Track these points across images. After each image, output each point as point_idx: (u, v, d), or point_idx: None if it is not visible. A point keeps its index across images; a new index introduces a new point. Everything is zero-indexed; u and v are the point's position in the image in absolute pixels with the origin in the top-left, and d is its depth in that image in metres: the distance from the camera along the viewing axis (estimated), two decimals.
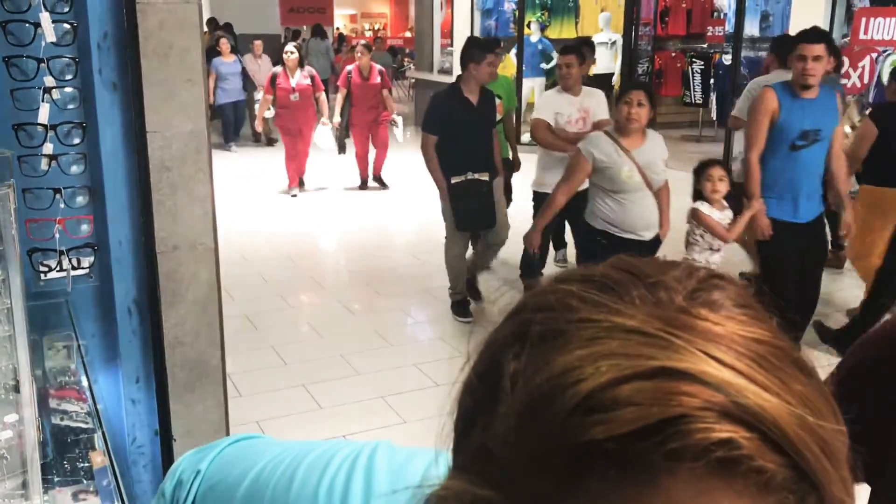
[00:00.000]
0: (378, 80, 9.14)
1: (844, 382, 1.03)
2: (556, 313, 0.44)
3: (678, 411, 0.38)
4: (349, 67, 9.23)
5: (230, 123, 12.19)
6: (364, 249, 7.26)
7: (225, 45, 11.79)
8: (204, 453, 0.84)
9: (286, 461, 0.75)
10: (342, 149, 9.34)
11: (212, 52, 11.78)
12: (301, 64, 9.14)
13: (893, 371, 0.97)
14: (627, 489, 0.39)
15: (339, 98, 9.20)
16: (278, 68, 9.24)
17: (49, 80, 2.20)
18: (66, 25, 2.20)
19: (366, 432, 3.91)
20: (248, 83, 11.99)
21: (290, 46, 9.15)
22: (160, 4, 2.31)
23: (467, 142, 5.10)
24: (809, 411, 0.41)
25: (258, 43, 12.81)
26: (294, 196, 9.14)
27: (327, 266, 6.89)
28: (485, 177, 5.13)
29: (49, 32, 2.15)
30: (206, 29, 16.28)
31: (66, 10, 2.20)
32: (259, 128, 10.28)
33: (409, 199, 9.12)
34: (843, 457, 0.43)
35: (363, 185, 9.64)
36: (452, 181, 5.08)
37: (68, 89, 2.25)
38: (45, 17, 2.14)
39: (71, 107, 2.26)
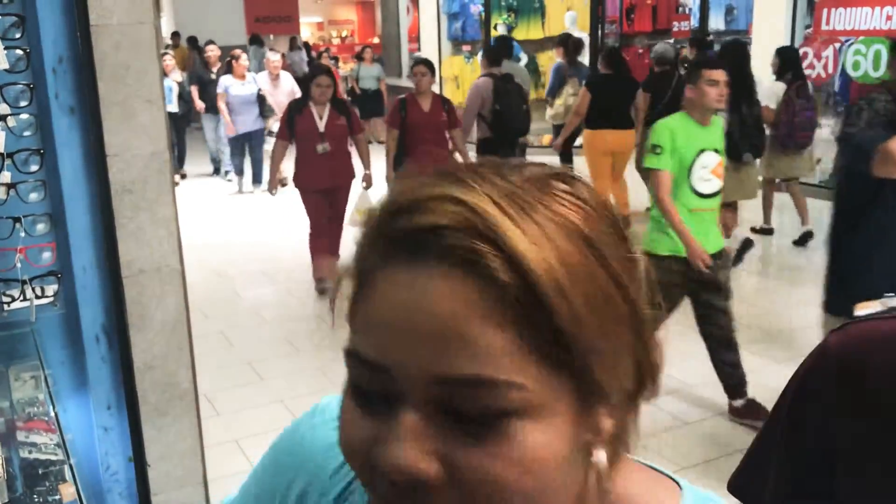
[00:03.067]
0: (444, 115, 6.37)
1: (793, 410, 1.00)
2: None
3: (442, 222, 0.52)
4: (402, 97, 6.46)
5: (239, 156, 10.09)
6: (340, 261, 7.22)
7: (241, 63, 9.56)
8: None
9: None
10: None
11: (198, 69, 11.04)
12: (334, 98, 6.11)
13: (842, 392, 0.94)
14: (409, 266, 0.53)
15: (391, 144, 6.39)
16: (295, 99, 6.76)
17: (3, 108, 2.16)
18: (19, 51, 2.16)
19: None
20: (264, 109, 9.69)
21: (322, 79, 6.00)
22: (114, 26, 2.28)
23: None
24: (564, 267, 0.52)
25: (275, 58, 10.13)
26: (322, 292, 6.19)
27: (302, 280, 6.85)
28: None
29: (1, 59, 2.11)
30: (170, 42, 16.17)
31: (18, 35, 2.16)
32: (274, 191, 6.51)
33: None
34: (604, 310, 0.54)
35: None
36: None
37: (24, 116, 2.21)
38: None
39: (27, 133, 2.23)
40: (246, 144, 9.92)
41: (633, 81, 7.65)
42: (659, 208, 3.91)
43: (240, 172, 10.20)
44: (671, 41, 10.89)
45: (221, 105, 9.57)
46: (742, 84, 6.04)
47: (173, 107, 10.28)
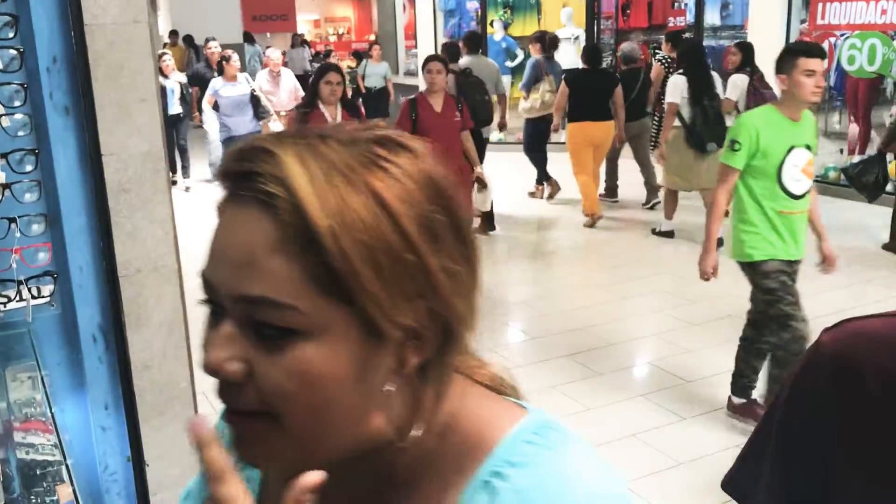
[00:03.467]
0: (457, 116, 5.99)
1: (787, 409, 0.99)
2: None
3: (254, 169, 0.65)
4: (412, 97, 6.10)
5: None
6: None
7: (232, 65, 9.17)
8: None
9: None
10: None
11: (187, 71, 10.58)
12: (343, 97, 5.71)
13: (839, 395, 0.93)
14: (231, 203, 0.68)
15: None
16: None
17: None
18: (13, 51, 2.15)
19: None
20: (259, 110, 9.22)
21: (332, 75, 5.60)
22: (109, 25, 2.27)
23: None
24: (342, 218, 0.63)
25: (275, 56, 10.11)
26: None
27: None
28: None
29: None
30: (167, 41, 16.15)
31: (12, 35, 2.15)
32: None
33: None
34: (384, 263, 0.64)
35: None
36: None
37: (18, 116, 2.20)
38: None
39: (22, 133, 2.22)
40: None
41: (611, 75, 8.12)
42: (714, 199, 3.76)
43: None
44: (637, 41, 11.07)
45: (206, 106, 9.36)
46: (702, 79, 6.79)
47: (175, 108, 9.99)
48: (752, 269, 3.78)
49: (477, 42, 8.50)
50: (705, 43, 10.59)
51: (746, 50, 7.51)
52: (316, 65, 14.04)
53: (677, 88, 6.89)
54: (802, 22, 8.98)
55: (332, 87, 5.55)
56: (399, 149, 0.69)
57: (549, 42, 9.28)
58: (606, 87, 7.76)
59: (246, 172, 0.65)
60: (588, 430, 3.97)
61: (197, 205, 8.80)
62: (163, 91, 8.51)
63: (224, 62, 9.28)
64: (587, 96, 7.64)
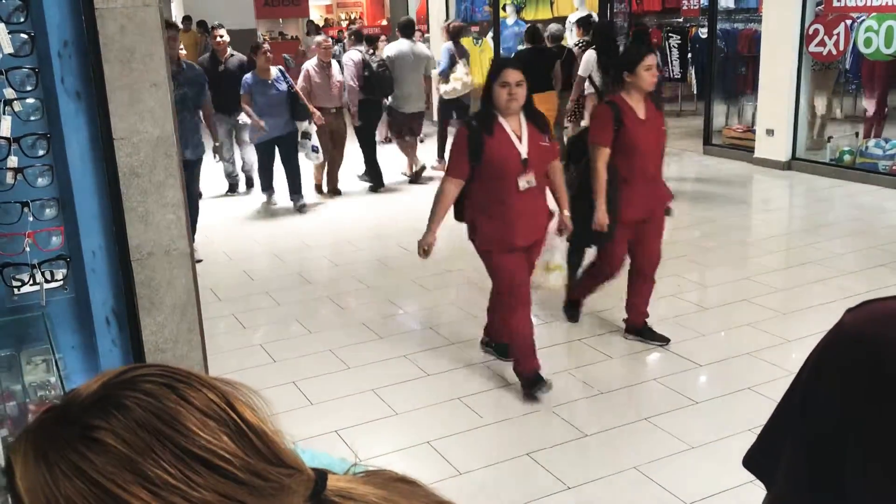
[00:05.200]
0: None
1: (807, 390, 0.98)
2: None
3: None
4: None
5: (269, 169, 8.31)
6: (350, 243, 7.24)
7: (265, 57, 7.93)
8: None
9: None
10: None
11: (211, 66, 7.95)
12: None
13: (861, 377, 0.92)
14: None
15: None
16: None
17: (9, 92, 2.16)
18: (24, 36, 2.16)
19: (357, 426, 3.90)
20: (298, 109, 8.04)
21: (512, 74, 4.00)
22: (119, 9, 2.27)
23: None
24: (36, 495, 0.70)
25: (324, 41, 8.98)
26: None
27: (313, 261, 6.86)
28: None
29: (6, 44, 2.11)
30: (181, 26, 16.14)
31: (23, 19, 2.16)
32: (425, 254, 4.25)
33: (391, 191, 9.11)
34: None
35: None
36: None
37: (30, 100, 2.21)
38: (0, 29, 2.10)
39: (34, 118, 2.23)
40: (276, 152, 8.21)
41: (551, 52, 9.01)
42: None
43: (269, 187, 8.49)
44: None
45: (246, 107, 7.95)
46: (612, 53, 7.94)
47: None
48: None
49: (410, 28, 9.65)
50: (720, 26, 10.51)
51: (586, 24, 9.39)
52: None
53: (588, 63, 8.11)
54: (818, 4, 8.87)
55: (511, 91, 3.99)
56: (112, 411, 0.73)
57: (454, 30, 10.04)
58: (547, 62, 8.77)
59: (5, 469, 0.75)
60: (600, 414, 3.98)
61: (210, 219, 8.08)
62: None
63: (257, 53, 7.99)
64: (532, 71, 7.94)
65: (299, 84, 8.39)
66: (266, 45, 8.19)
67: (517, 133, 4.02)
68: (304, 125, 8.13)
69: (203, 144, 6.85)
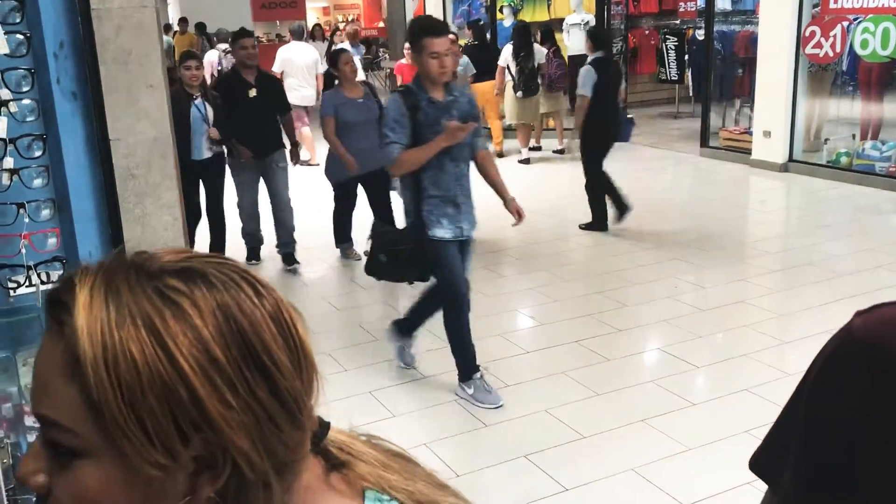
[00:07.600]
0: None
1: (814, 396, 0.97)
2: None
3: (61, 298, 0.68)
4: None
5: (349, 215, 6.66)
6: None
7: (350, 65, 6.21)
8: None
9: None
10: None
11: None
12: None
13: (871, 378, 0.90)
14: (47, 327, 0.70)
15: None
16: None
17: (5, 93, 2.15)
18: (20, 36, 2.15)
19: (354, 429, 3.88)
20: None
21: None
22: (116, 10, 2.26)
23: None
24: (109, 349, 0.64)
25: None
26: None
27: (309, 263, 6.85)
28: None
29: (2, 44, 2.10)
30: (177, 28, 16.11)
31: (18, 20, 2.15)
32: None
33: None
34: (140, 396, 0.64)
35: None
36: None
37: (26, 101, 2.20)
38: None
39: (30, 119, 2.22)
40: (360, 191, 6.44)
41: (493, 48, 10.84)
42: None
43: (348, 238, 6.77)
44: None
45: (333, 138, 6.12)
46: (524, 49, 9.95)
47: (203, 150, 6.07)
48: None
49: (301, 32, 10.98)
50: (716, 28, 10.52)
51: (546, 31, 10.98)
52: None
53: (504, 57, 10.19)
54: (815, 6, 8.89)
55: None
56: (191, 282, 0.69)
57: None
58: (490, 57, 10.55)
59: (55, 300, 0.69)
60: (597, 416, 3.97)
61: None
62: (187, 116, 5.80)
63: (338, 65, 6.21)
64: (476, 65, 10.43)
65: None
66: (348, 52, 6.30)
67: None
68: None
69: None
